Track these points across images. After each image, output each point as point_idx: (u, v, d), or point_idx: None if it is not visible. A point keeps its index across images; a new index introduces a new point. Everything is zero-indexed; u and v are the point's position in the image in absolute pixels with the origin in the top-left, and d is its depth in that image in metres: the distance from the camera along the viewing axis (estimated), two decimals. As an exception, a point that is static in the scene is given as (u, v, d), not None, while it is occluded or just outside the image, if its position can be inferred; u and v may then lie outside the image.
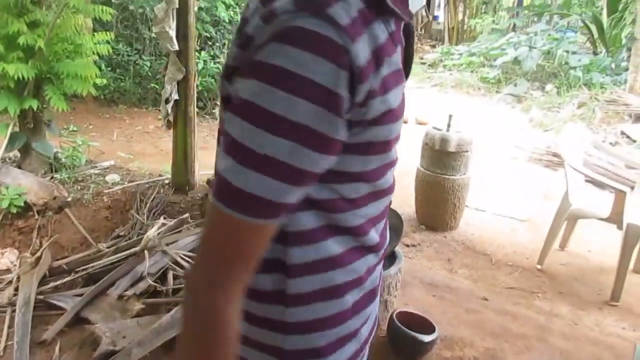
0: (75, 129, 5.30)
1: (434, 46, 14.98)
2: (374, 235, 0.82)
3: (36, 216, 3.04)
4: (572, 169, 3.47)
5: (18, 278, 2.71)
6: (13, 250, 2.95)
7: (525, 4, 14.28)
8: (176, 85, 3.33)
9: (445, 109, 8.33)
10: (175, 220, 2.96)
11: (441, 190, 3.92)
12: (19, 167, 3.39)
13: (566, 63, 8.96)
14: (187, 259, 2.77)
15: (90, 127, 5.91)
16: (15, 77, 3.01)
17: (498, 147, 6.44)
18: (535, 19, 12.74)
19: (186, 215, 3.03)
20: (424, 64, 12.42)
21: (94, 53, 3.62)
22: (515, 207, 4.60)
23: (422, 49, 14.60)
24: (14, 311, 2.49)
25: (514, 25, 13.52)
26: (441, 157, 3.88)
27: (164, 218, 3.03)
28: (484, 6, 15.25)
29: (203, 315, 0.68)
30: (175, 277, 2.73)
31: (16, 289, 2.63)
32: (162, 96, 3.36)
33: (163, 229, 2.86)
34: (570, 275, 3.55)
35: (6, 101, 3.05)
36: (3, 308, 2.54)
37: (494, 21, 14.53)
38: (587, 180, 3.66)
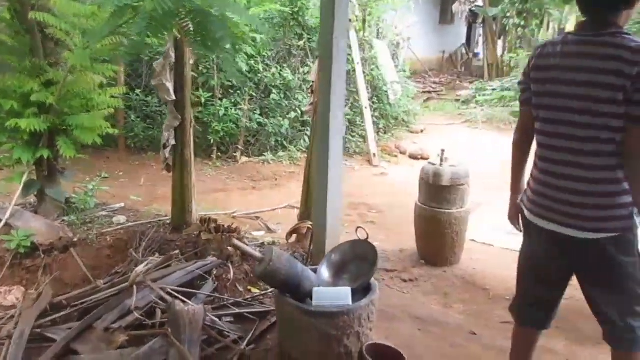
0: (106, 175, 5.69)
1: (472, 82, 14.96)
2: None
3: (42, 256, 3.30)
4: None
5: (20, 314, 2.93)
6: (20, 288, 3.19)
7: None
8: (173, 132, 3.58)
9: (470, 144, 8.30)
10: (163, 257, 3.13)
11: (438, 225, 3.91)
12: (36, 212, 3.70)
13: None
14: (174, 293, 2.91)
15: (120, 173, 6.30)
16: (28, 130, 3.35)
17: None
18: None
19: (175, 252, 3.20)
20: (458, 100, 12.45)
21: (109, 106, 3.95)
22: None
23: (461, 86, 14.63)
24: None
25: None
26: (436, 192, 3.90)
27: (157, 255, 3.21)
28: (519, 41, 15.15)
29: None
30: (163, 312, 2.88)
31: (17, 324, 2.85)
32: (161, 142, 3.61)
33: (150, 265, 3.03)
34: (572, 310, 3.42)
35: (20, 152, 3.38)
36: (2, 341, 2.75)
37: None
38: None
